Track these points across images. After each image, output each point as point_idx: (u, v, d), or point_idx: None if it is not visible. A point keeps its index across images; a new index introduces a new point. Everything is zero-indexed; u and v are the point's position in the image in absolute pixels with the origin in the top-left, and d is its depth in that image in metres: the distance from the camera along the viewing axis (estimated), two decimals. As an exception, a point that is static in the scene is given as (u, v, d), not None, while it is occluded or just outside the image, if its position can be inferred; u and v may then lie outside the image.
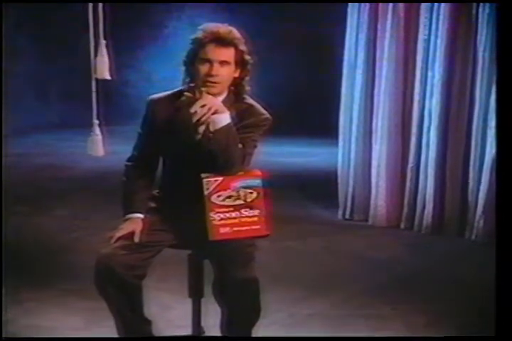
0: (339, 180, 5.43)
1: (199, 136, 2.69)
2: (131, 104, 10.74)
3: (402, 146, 5.13)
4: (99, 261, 2.59)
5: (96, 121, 3.72)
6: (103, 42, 3.26)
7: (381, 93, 5.10)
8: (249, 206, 2.63)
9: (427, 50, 4.90)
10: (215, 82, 2.64)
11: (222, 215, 2.61)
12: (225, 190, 2.60)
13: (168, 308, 3.46)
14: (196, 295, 2.93)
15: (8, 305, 3.51)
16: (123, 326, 2.70)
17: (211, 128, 2.59)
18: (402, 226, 5.16)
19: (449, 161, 4.94)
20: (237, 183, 2.61)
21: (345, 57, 5.27)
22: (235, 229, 2.63)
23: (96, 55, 3.33)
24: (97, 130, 3.75)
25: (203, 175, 2.60)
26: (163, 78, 10.87)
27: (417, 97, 4.98)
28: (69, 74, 10.58)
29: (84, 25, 3.28)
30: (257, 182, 2.63)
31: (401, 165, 5.15)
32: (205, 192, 2.59)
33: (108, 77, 3.45)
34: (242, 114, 2.70)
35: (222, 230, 2.62)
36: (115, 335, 3.09)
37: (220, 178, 2.60)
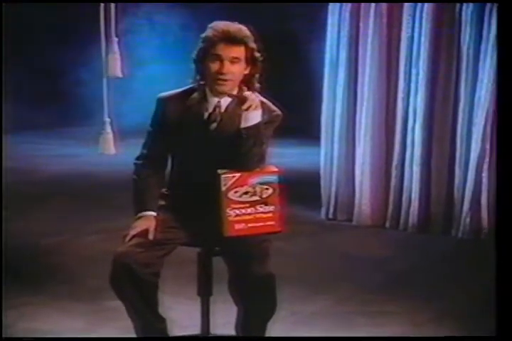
0: (322, 180, 5.59)
1: (214, 133, 2.83)
2: (84, 104, 10.77)
3: (386, 144, 5.32)
4: (116, 259, 2.71)
5: (107, 119, 3.80)
6: (115, 39, 3.35)
7: (364, 91, 5.28)
8: (264, 202, 2.77)
9: (410, 47, 5.11)
10: (225, 80, 2.78)
11: (238, 211, 2.74)
12: (241, 186, 2.73)
13: (168, 309, 3.57)
14: (205, 293, 3.06)
15: (4, 309, 3.58)
16: (139, 324, 2.82)
17: (242, 125, 2.73)
18: (388, 225, 5.34)
19: (435, 159, 5.15)
20: (254, 179, 2.75)
21: (327, 55, 5.43)
22: (250, 225, 2.76)
23: (107, 53, 3.42)
24: (109, 128, 3.82)
25: (219, 172, 2.73)
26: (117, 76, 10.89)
27: (401, 95, 5.18)
28: (24, 75, 10.55)
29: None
30: (273, 178, 2.77)
31: (385, 163, 5.34)
32: (223, 188, 2.72)
33: (120, 75, 3.55)
34: None
35: (238, 226, 2.75)
36: (115, 336, 3.23)
37: (238, 174, 2.73)
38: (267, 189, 2.76)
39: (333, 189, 5.54)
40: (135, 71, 11.62)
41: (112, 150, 3.85)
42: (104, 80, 3.60)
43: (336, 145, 5.48)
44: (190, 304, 3.17)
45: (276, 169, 2.81)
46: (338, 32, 5.34)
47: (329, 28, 5.39)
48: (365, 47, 5.24)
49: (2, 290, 3.66)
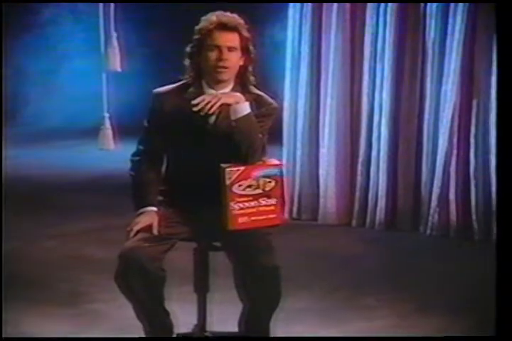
0: (284, 179, 5.84)
1: (213, 127, 3.05)
2: (7, 102, 10.74)
3: (351, 141, 5.61)
4: (124, 254, 2.90)
5: (107, 115, 3.96)
6: (114, 34, 3.54)
7: (328, 87, 5.57)
8: (267, 195, 3.01)
9: (374, 42, 5.42)
10: (225, 67, 3.01)
11: (241, 205, 2.97)
12: (245, 179, 2.96)
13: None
14: (202, 290, 3.27)
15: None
16: (147, 320, 3.02)
17: (232, 117, 2.96)
18: (354, 223, 5.64)
19: (401, 155, 5.47)
20: (258, 172, 2.98)
21: (288, 50, 5.70)
22: (253, 218, 3.00)
23: (106, 48, 3.60)
24: (108, 123, 3.98)
25: (223, 165, 2.95)
26: (40, 71, 10.91)
27: (365, 91, 5.49)
28: None
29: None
30: (276, 171, 3.02)
31: (351, 160, 5.63)
32: (227, 182, 2.94)
33: (119, 69, 3.72)
34: (252, 104, 3.06)
35: (241, 220, 2.99)
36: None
37: (242, 168, 2.96)
38: (269, 182, 3.00)
39: (297, 188, 5.79)
40: (56, 63, 11.68)
41: (111, 145, 4.01)
42: (104, 75, 3.78)
43: (298, 144, 5.74)
44: (186, 301, 3.36)
45: (278, 162, 3.06)
46: (300, 25, 5.61)
47: (290, 21, 5.66)
48: (329, 43, 5.52)
49: (2, 292, 3.80)
